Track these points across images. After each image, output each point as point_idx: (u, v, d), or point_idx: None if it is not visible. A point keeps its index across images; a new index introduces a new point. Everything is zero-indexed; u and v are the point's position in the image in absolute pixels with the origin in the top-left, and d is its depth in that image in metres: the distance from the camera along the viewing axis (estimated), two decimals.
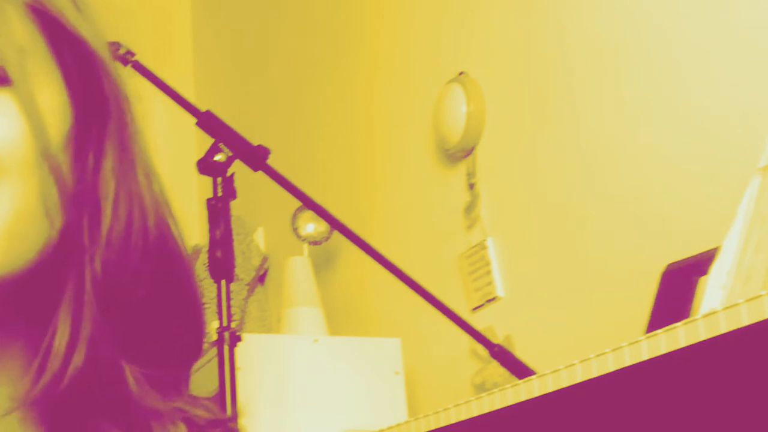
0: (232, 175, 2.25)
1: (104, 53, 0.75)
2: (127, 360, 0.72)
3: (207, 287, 2.69)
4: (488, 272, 2.69)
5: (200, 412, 0.76)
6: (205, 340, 0.79)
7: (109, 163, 0.73)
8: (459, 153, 2.80)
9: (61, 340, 0.70)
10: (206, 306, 2.99)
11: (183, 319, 0.76)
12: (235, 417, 0.78)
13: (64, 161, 0.71)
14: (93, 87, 0.74)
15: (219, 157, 2.23)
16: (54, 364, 0.69)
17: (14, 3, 0.71)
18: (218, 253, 2.20)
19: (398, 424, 1.95)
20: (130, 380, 0.72)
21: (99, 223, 0.72)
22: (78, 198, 0.71)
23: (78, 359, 0.70)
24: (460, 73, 2.79)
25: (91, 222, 0.72)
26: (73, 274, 0.71)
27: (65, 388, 0.69)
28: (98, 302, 0.71)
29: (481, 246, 2.72)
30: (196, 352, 0.78)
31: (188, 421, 0.75)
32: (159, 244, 0.74)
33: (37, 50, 0.72)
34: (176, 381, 0.76)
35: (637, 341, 1.46)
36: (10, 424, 0.71)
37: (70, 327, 0.70)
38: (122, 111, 0.75)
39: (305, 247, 3.16)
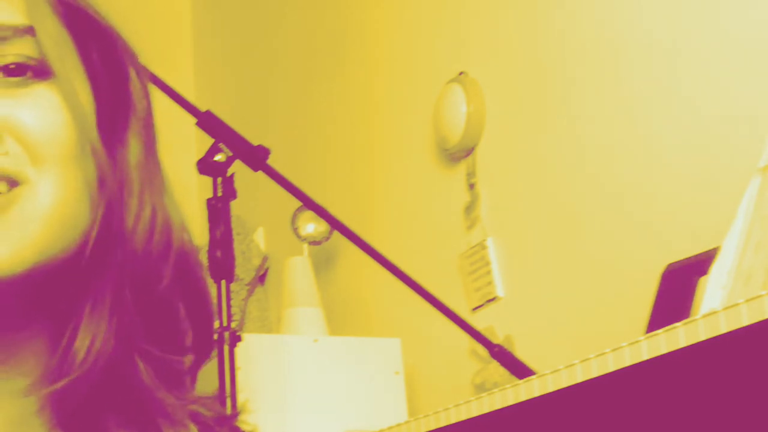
0: (232, 175, 2.25)
1: (130, 48, 0.76)
2: (140, 351, 0.73)
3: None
4: (488, 272, 2.69)
5: (207, 411, 0.76)
6: (213, 336, 0.80)
7: (134, 157, 0.75)
8: (459, 153, 2.80)
9: (91, 328, 0.71)
10: None
11: (193, 314, 0.77)
12: (237, 414, 0.78)
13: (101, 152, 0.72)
14: (118, 80, 0.75)
15: (219, 157, 2.23)
16: (83, 351, 0.70)
17: None
18: (218, 253, 2.20)
19: (398, 424, 1.95)
20: (142, 370, 0.73)
21: (124, 216, 0.73)
22: (109, 190, 0.72)
23: (106, 348, 0.70)
24: (460, 73, 2.79)
25: (118, 214, 0.72)
26: (103, 264, 0.72)
27: (91, 374, 0.70)
28: (124, 294, 0.71)
29: (481, 246, 2.72)
30: (205, 348, 0.78)
31: (197, 419, 0.75)
32: (180, 240, 0.75)
33: (64, 42, 0.73)
34: (183, 378, 0.76)
35: (637, 341, 1.46)
36: (27, 408, 0.72)
37: (99, 316, 0.71)
38: (146, 106, 0.76)
39: (305, 247, 3.16)
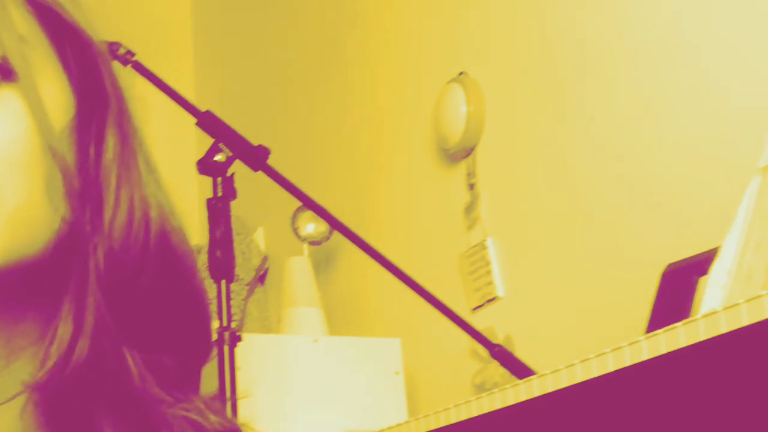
0: (232, 175, 2.25)
1: (101, 44, 0.76)
2: (130, 350, 0.72)
3: (207, 287, 2.68)
4: (488, 272, 2.69)
5: (212, 418, 0.76)
6: (211, 334, 0.79)
7: (110, 153, 0.74)
8: (459, 153, 2.80)
9: (65, 329, 0.70)
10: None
11: (186, 311, 0.76)
12: (245, 424, 0.78)
13: (67, 153, 0.72)
14: (92, 78, 0.75)
15: (219, 157, 2.22)
16: (57, 352, 0.70)
17: None
18: (218, 253, 2.20)
19: (398, 424, 1.95)
20: (134, 371, 0.72)
21: (101, 213, 0.73)
22: (81, 188, 0.72)
23: (82, 348, 0.70)
24: (460, 73, 2.79)
25: (94, 212, 0.72)
26: (76, 264, 0.71)
27: (68, 376, 0.69)
28: (102, 292, 0.71)
29: (481, 246, 2.72)
30: (203, 348, 0.78)
31: (197, 427, 0.75)
32: (161, 234, 0.75)
33: (37, 41, 0.73)
34: (183, 380, 0.75)
35: (637, 341, 1.46)
36: (10, 412, 0.72)
37: (74, 316, 0.71)
38: (121, 101, 0.76)
39: (305, 247, 3.16)
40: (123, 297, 0.72)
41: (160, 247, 0.74)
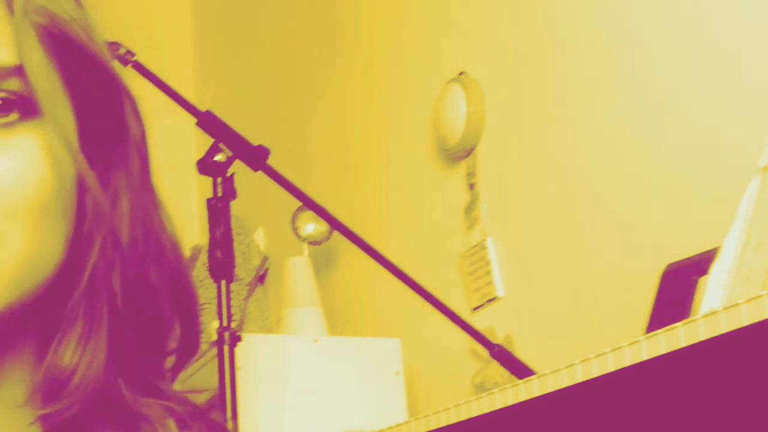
0: (232, 175, 2.25)
1: (119, 72, 0.76)
2: (125, 369, 0.73)
3: (207, 287, 2.69)
4: (488, 272, 2.69)
5: (181, 407, 0.77)
6: (200, 342, 0.80)
7: (128, 180, 0.75)
8: (459, 153, 2.80)
9: (81, 350, 0.71)
10: (206, 306, 2.99)
11: (183, 325, 0.77)
12: (211, 408, 0.79)
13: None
14: (113, 107, 0.75)
15: (219, 157, 2.23)
16: (65, 377, 0.70)
17: (35, 28, 0.71)
18: (218, 253, 2.20)
19: (398, 424, 1.95)
20: (123, 388, 0.73)
21: (117, 242, 0.73)
22: (98, 224, 0.72)
23: (99, 370, 0.70)
24: (460, 73, 2.79)
25: (108, 241, 0.73)
26: (89, 293, 0.72)
27: (77, 399, 0.70)
28: (114, 320, 0.72)
29: (481, 246, 2.72)
30: (190, 355, 0.79)
31: (173, 413, 0.76)
32: (172, 257, 0.75)
33: (54, 76, 0.72)
34: (157, 378, 0.76)
35: (637, 341, 1.46)
36: (16, 419, 0.72)
37: (94, 341, 0.71)
38: (140, 127, 0.76)
39: (305, 247, 3.16)
40: (133, 318, 0.73)
41: (172, 272, 0.75)
